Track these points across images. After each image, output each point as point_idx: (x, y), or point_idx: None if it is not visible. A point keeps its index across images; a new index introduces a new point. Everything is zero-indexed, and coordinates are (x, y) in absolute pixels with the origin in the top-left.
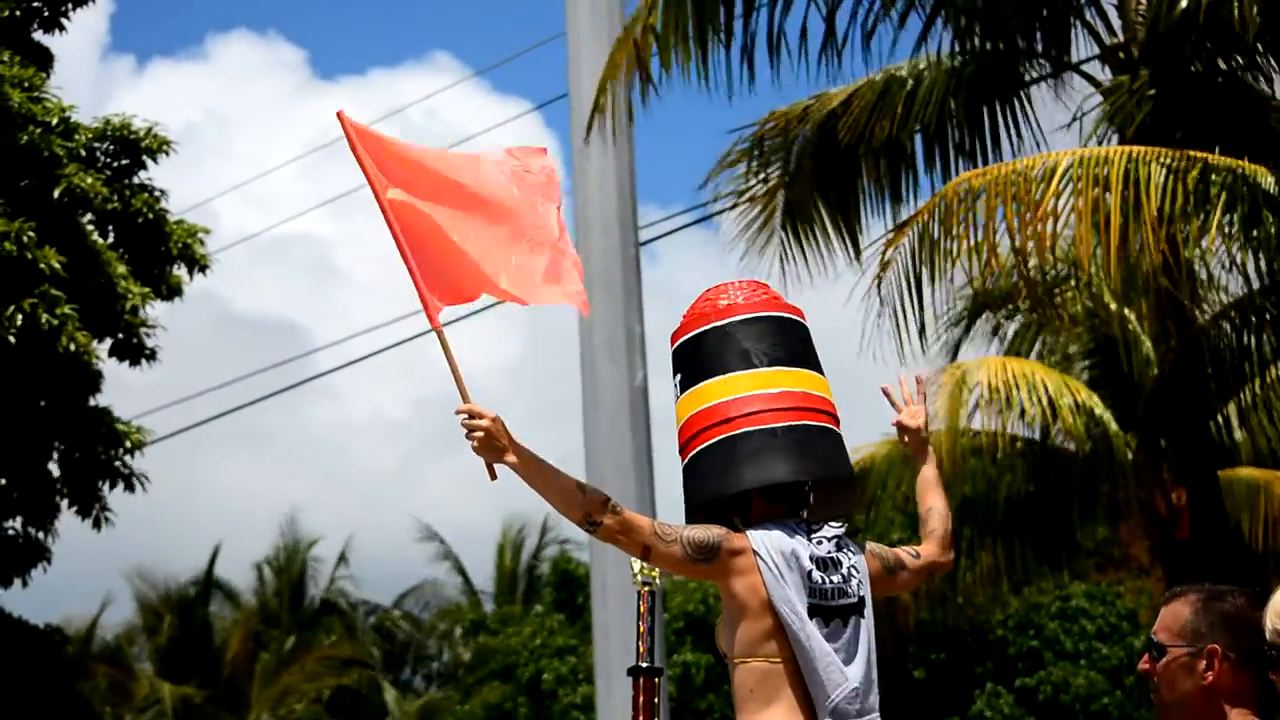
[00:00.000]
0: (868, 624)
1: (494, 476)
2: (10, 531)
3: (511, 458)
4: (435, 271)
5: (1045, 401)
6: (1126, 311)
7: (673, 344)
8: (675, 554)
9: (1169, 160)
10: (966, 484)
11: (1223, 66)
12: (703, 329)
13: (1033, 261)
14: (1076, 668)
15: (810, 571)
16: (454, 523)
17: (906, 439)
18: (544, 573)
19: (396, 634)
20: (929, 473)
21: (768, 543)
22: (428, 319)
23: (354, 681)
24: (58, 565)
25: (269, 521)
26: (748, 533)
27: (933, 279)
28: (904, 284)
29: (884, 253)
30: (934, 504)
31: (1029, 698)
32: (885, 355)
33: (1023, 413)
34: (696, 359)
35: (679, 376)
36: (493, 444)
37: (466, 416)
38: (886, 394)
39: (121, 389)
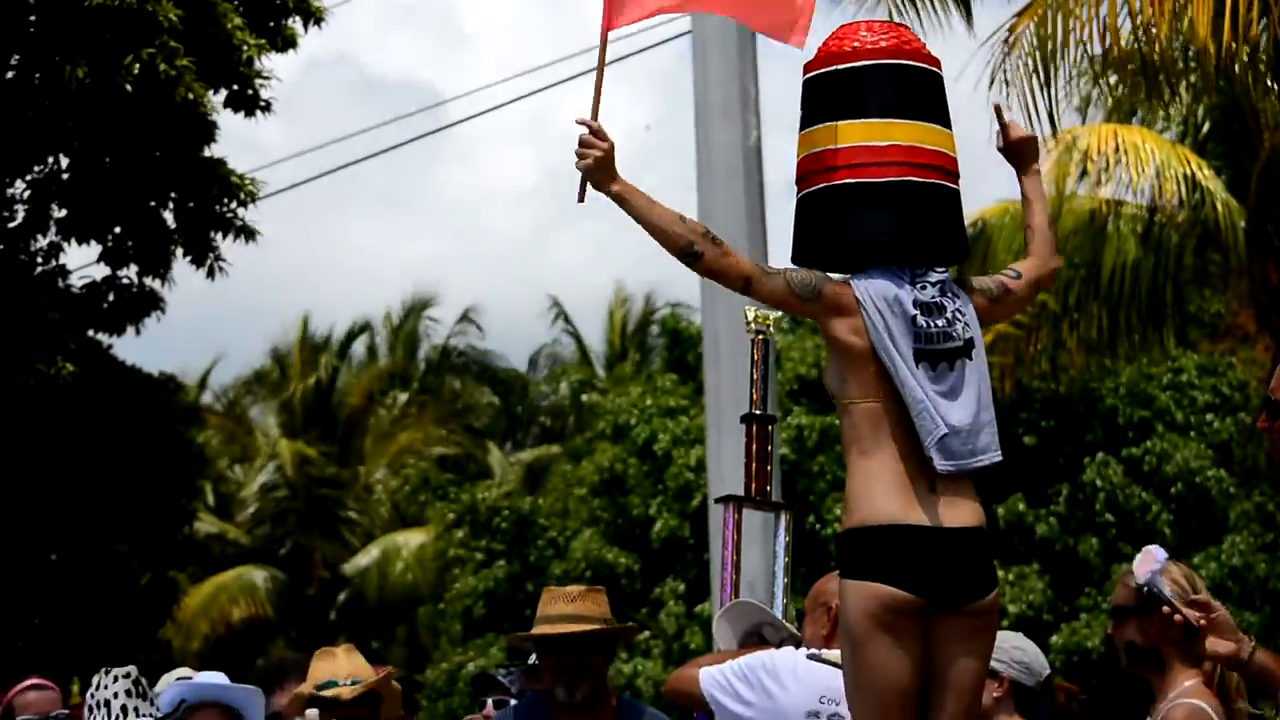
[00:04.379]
0: (977, 366)
1: (583, 199)
2: (125, 280)
3: (615, 186)
4: None
5: (1153, 170)
6: (1245, 81)
7: (804, 75)
8: (778, 286)
9: None
10: (1076, 253)
11: None
12: (828, 69)
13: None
14: (1186, 439)
15: (915, 316)
16: (579, 291)
17: (1014, 143)
18: (655, 336)
19: (510, 394)
20: (1035, 181)
21: (871, 290)
22: (604, 18)
23: (466, 439)
24: (178, 317)
25: (396, 281)
26: (851, 280)
27: (1055, 61)
28: (1028, 66)
29: (1007, 36)
30: (1034, 221)
31: (1135, 467)
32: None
33: (1130, 181)
34: (819, 98)
35: (802, 113)
36: (601, 165)
37: (587, 132)
38: (997, 110)
39: (258, 148)
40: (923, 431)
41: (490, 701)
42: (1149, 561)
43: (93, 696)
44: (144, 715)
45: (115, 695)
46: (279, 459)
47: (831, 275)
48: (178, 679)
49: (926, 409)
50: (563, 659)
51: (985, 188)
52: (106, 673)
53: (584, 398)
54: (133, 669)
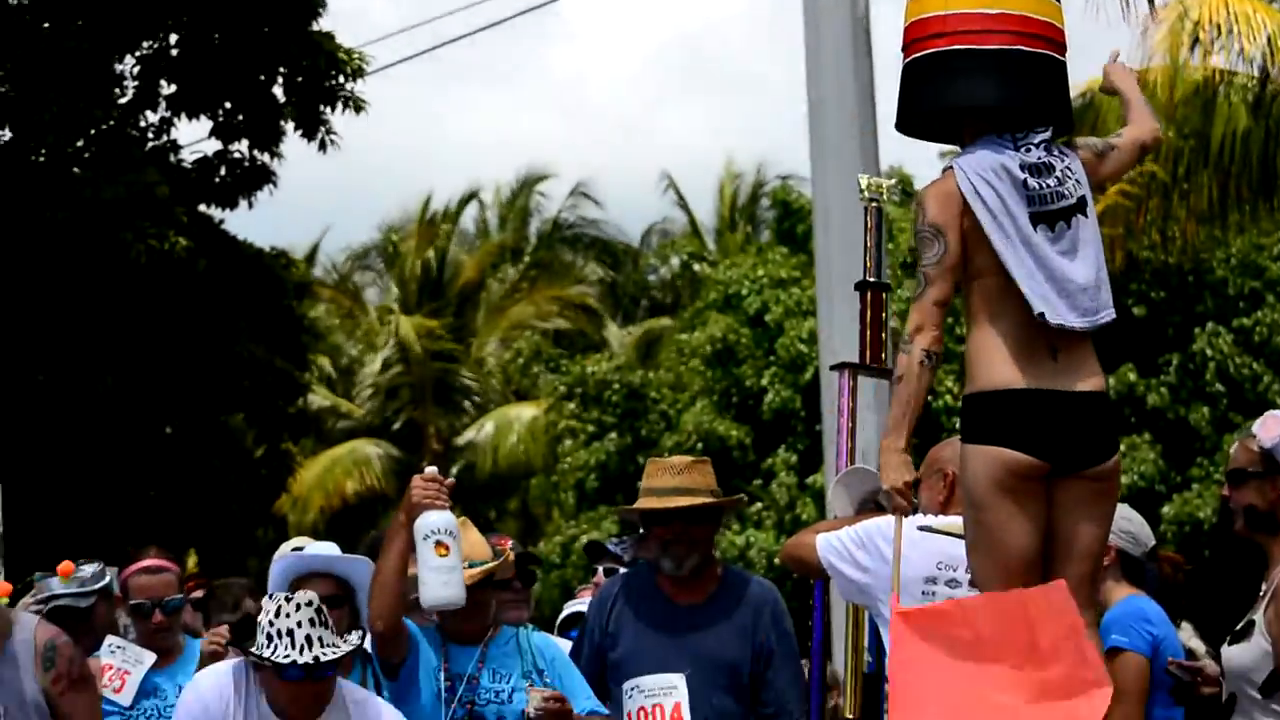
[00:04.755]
0: (1091, 222)
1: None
2: (236, 154)
3: (903, 448)
4: None
5: (1264, 39)
6: None
7: None
8: (943, 270)
9: None
10: (1186, 123)
11: None
12: None
13: None
14: None
15: (1025, 180)
16: (689, 165)
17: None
18: (766, 209)
19: (621, 267)
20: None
21: (974, 166)
22: None
23: (578, 314)
24: (291, 193)
25: (505, 157)
26: (953, 163)
27: None
28: None
29: None
30: (1129, 105)
31: (1245, 338)
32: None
33: (1241, 50)
34: None
35: None
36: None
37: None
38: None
39: (366, 23)
40: (1034, 302)
41: (600, 570)
42: (1276, 426)
43: (272, 625)
44: (328, 645)
45: (299, 624)
46: (399, 334)
47: (924, 203)
48: (293, 549)
49: (1030, 284)
50: (669, 531)
51: (1093, 61)
52: (288, 600)
53: (695, 268)
54: (314, 595)
